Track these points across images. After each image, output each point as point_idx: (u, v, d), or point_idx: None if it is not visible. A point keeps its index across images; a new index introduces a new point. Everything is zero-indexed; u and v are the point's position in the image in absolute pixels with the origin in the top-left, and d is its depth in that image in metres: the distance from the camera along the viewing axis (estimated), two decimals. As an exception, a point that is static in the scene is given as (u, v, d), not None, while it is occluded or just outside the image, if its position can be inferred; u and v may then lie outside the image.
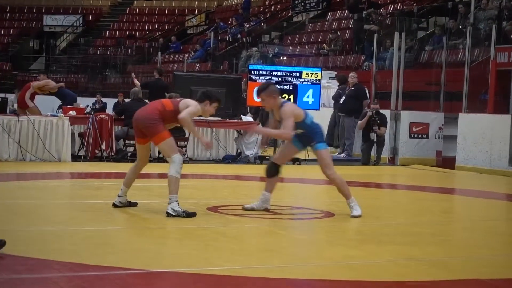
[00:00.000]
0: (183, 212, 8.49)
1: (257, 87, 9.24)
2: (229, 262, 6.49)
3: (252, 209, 9.19)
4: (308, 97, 16.69)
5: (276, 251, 7.12)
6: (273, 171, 9.28)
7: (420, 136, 18.12)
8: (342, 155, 18.30)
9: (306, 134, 9.11)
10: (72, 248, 6.89)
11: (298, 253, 7.23)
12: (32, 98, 16.72)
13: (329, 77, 21.55)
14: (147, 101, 16.21)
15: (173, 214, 8.46)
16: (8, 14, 42.93)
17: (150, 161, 10.03)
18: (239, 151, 16.99)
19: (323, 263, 6.74)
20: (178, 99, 9.08)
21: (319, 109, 16.93)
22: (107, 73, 35.84)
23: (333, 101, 19.54)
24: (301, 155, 17.04)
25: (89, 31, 41.45)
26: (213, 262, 6.46)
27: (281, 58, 26.92)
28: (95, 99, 26.08)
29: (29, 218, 8.25)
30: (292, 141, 9.19)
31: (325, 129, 19.85)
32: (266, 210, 9.23)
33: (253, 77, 16.88)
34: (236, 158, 16.84)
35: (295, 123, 8.85)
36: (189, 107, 8.66)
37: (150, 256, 6.64)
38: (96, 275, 5.84)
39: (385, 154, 17.71)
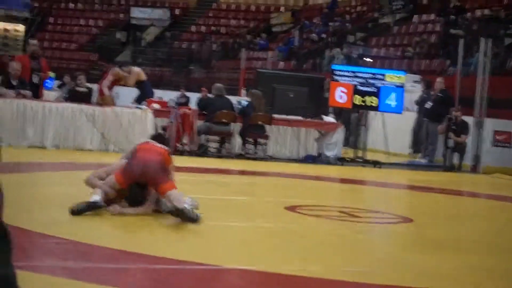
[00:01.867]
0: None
1: None
2: (303, 262, 6.46)
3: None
4: (391, 100, 16.52)
5: (351, 254, 7.08)
6: None
7: (503, 144, 17.77)
8: (424, 160, 18.11)
9: None
10: (151, 240, 6.97)
11: (372, 257, 7.17)
12: (110, 87, 16.77)
13: (413, 81, 21.31)
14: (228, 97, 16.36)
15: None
16: (97, 6, 43.68)
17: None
18: (319, 151, 16.93)
19: (397, 268, 6.67)
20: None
21: (401, 113, 16.77)
22: (191, 68, 36.16)
23: (416, 106, 19.33)
24: (382, 158, 16.98)
25: (176, 25, 41.82)
26: (287, 261, 6.45)
27: (365, 59, 26.73)
28: (178, 93, 26.33)
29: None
30: None
31: (408, 133, 19.72)
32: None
33: (336, 77, 16.79)
34: (317, 159, 16.78)
35: None
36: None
37: (225, 252, 6.67)
38: (171, 269, 5.89)
39: (468, 161, 17.43)
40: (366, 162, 16.61)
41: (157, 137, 8.52)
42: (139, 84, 17.29)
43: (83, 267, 5.64)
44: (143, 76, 17.40)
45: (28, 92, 15.17)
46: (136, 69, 17.38)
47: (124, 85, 17.88)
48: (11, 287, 1.27)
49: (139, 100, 16.68)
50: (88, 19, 42.83)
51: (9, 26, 41.78)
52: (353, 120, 19.20)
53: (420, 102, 18.85)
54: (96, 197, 7.75)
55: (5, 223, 1.25)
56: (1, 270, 1.24)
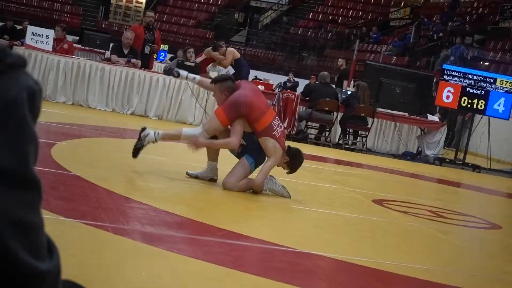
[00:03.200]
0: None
1: (216, 76, 8.41)
2: (379, 255, 6.43)
3: (196, 177, 8.35)
4: (499, 105, 16.19)
5: (430, 253, 7.00)
6: None
7: None
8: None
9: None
10: (232, 217, 7.07)
11: (452, 259, 7.06)
12: (203, 64, 16.69)
13: (526, 88, 20.77)
14: (333, 86, 16.32)
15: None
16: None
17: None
18: (419, 149, 16.76)
19: (475, 273, 6.56)
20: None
21: (508, 119, 16.41)
22: (304, 54, 36.20)
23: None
24: (483, 163, 16.67)
25: (294, 10, 41.88)
26: (363, 253, 6.43)
27: (480, 62, 26.22)
28: (287, 77, 26.44)
29: (198, 181, 8.45)
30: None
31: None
32: (213, 180, 8.39)
33: (445, 77, 16.56)
34: (416, 156, 16.63)
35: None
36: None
37: (303, 236, 6.70)
38: (245, 246, 5.96)
39: None
40: (465, 165, 16.34)
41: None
42: (235, 62, 17.21)
43: (162, 234, 5.77)
44: (238, 55, 17.29)
45: (138, 62, 15.52)
46: (230, 49, 17.37)
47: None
48: (39, 233, 1.35)
49: (235, 78, 16.64)
50: (209, -3, 43.36)
51: (132, -3, 42.71)
52: (458, 121, 18.91)
53: (530, 111, 18.38)
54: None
55: (38, 176, 1.33)
56: (33, 217, 1.32)
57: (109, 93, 15.12)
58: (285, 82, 25.11)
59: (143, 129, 8.06)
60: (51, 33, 15.78)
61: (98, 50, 19.58)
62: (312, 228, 7.19)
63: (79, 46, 20.05)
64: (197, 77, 8.65)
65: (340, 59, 20.61)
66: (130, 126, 13.07)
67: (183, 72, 8.53)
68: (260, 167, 8.13)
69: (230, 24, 41.45)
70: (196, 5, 42.69)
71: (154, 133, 8.00)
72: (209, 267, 5.01)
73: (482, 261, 7.21)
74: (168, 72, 8.76)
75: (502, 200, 13.02)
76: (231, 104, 7.85)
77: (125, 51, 15.54)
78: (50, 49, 15.34)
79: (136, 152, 8.09)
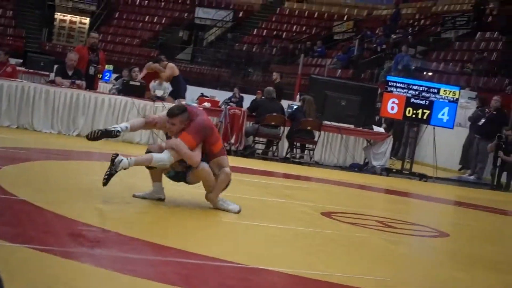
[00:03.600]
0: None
1: (172, 109, 8.29)
2: (331, 268, 6.46)
3: (144, 198, 8.42)
4: (443, 114, 16.39)
5: (381, 263, 7.05)
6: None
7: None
8: (472, 177, 17.95)
9: None
10: (180, 235, 7.05)
11: (402, 268, 7.14)
12: (146, 80, 16.75)
13: (468, 97, 21.13)
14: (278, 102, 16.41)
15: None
16: (163, 4, 44.12)
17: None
18: (366, 160, 16.90)
19: (426, 282, 6.63)
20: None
21: (452, 128, 16.64)
22: (249, 70, 36.30)
23: (469, 122, 19.17)
24: (429, 171, 16.86)
25: (238, 27, 42.02)
26: (315, 266, 6.46)
27: (424, 73, 26.57)
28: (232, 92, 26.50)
29: (147, 201, 8.42)
30: None
31: (459, 149, 19.55)
32: (161, 199, 8.46)
33: (390, 88, 16.74)
34: (363, 167, 16.76)
35: None
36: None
37: (253, 251, 6.71)
38: (195, 263, 5.95)
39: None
40: (412, 175, 16.52)
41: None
42: (173, 79, 17.20)
43: (111, 255, 5.74)
44: (177, 72, 17.32)
45: (82, 83, 15.43)
46: (171, 64, 17.40)
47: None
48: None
49: (173, 95, 16.73)
50: (153, 16, 43.29)
51: (76, 18, 42.50)
52: (405, 132, 19.14)
53: (473, 119, 18.68)
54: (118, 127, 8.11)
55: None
56: None
57: (55, 116, 15.00)
58: (230, 98, 25.15)
59: (116, 155, 7.99)
60: (-7, 57, 15.62)
61: (42, 72, 19.43)
62: (262, 243, 7.21)
63: (22, 69, 19.88)
64: (127, 124, 8.51)
65: (274, 73, 20.75)
66: (76, 148, 12.99)
67: (118, 127, 8.37)
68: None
69: (175, 42, 41.42)
70: (141, 24, 42.61)
71: (128, 160, 7.98)
72: (160, 287, 4.99)
73: (432, 269, 7.29)
74: (106, 134, 8.36)
75: (449, 208, 13.19)
76: (198, 130, 8.12)
77: (70, 73, 15.43)
78: (-7, 73, 15.19)
79: (108, 178, 7.97)
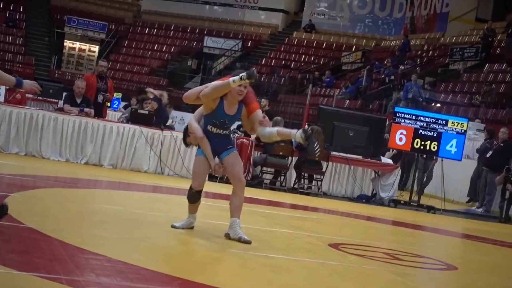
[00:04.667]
0: None
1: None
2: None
3: (182, 228, 8.55)
4: (451, 146, 16.38)
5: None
6: (197, 198, 8.66)
7: None
8: (480, 210, 17.91)
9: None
10: (187, 265, 7.02)
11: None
12: None
13: (476, 129, 21.12)
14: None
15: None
16: (172, 33, 44.37)
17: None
18: (374, 191, 16.87)
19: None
20: None
21: (460, 160, 16.61)
22: (257, 100, 36.30)
23: (477, 154, 19.14)
24: (437, 203, 16.80)
25: (247, 56, 42.19)
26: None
27: (432, 104, 26.61)
28: (240, 122, 26.47)
29: (153, 230, 8.43)
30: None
31: (467, 181, 19.51)
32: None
33: (397, 119, 16.73)
34: (371, 199, 16.72)
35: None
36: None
37: (260, 282, 6.67)
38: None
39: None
40: (420, 207, 16.47)
41: None
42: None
43: (117, 284, 5.71)
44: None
45: (91, 111, 15.47)
46: (165, 93, 17.59)
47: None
48: None
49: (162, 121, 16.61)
50: (162, 45, 43.54)
51: (85, 46, 42.73)
52: (410, 163, 19.11)
53: (481, 151, 18.66)
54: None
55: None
56: None
57: (63, 143, 15.04)
58: (238, 127, 25.12)
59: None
60: (3, 83, 15.65)
61: (51, 99, 19.48)
62: (269, 274, 7.17)
63: (31, 96, 19.94)
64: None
65: (263, 100, 20.83)
66: (84, 176, 12.99)
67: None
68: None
69: (184, 70, 41.62)
70: (150, 52, 42.82)
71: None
72: (166, 317, 4.97)
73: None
74: None
75: (457, 241, 13.13)
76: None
77: (78, 101, 15.48)
78: (2, 100, 15.26)
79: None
